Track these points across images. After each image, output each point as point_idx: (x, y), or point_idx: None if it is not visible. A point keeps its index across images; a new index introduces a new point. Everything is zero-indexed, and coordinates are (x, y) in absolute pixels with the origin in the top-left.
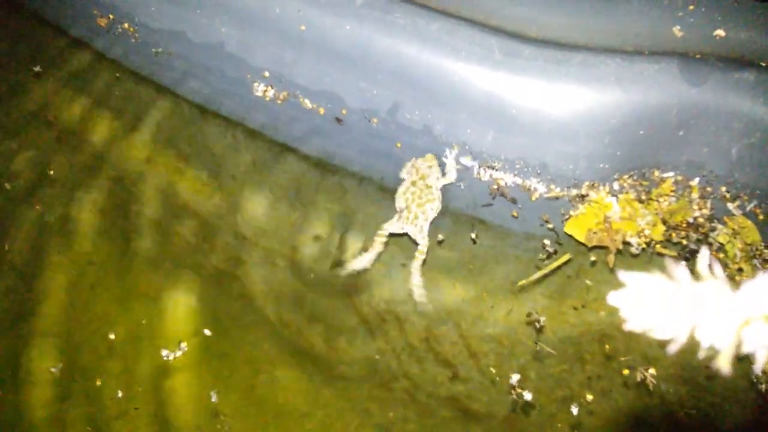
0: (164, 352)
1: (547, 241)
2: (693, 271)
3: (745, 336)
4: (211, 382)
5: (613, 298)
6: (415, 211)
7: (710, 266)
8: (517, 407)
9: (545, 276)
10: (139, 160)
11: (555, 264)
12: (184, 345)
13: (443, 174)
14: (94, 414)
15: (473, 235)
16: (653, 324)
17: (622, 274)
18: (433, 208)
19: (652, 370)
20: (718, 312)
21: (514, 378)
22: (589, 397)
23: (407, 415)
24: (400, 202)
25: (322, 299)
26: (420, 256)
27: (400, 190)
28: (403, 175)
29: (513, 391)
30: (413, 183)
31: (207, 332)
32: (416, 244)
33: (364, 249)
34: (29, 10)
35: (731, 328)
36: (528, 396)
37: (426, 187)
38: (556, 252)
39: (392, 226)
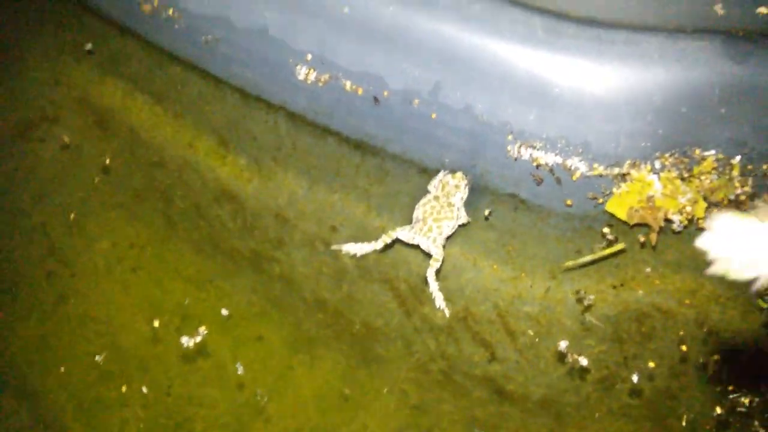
0: (203, 333)
1: (606, 230)
2: None
3: None
4: (248, 363)
5: (701, 241)
6: (431, 224)
7: None
8: (574, 373)
9: (594, 261)
10: (181, 144)
11: (608, 251)
12: (223, 328)
13: (464, 209)
14: (132, 396)
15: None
16: (739, 265)
17: (711, 220)
18: (450, 225)
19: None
20: None
21: (563, 344)
22: (629, 376)
23: (442, 396)
24: (417, 212)
25: (360, 280)
26: (435, 264)
27: (422, 201)
28: (430, 187)
29: (569, 358)
30: (436, 198)
31: (246, 313)
32: (429, 255)
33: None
34: None
35: None
36: (584, 361)
37: (448, 204)
38: (617, 239)
39: (404, 233)
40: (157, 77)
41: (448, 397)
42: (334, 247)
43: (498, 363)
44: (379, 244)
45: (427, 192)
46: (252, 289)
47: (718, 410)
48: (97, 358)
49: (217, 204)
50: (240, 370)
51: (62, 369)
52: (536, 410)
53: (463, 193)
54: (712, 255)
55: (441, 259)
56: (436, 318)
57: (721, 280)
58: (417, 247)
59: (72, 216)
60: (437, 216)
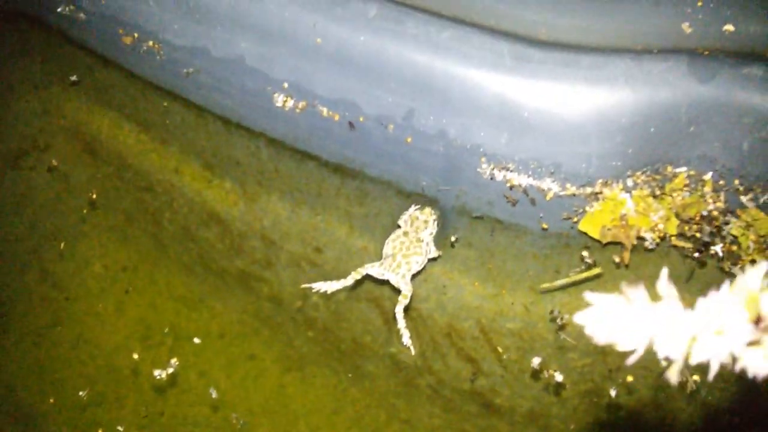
0: (195, 353)
1: (585, 253)
2: (651, 293)
3: (696, 349)
4: (240, 381)
5: (579, 317)
6: (400, 260)
7: (666, 287)
8: (549, 388)
9: (571, 284)
10: (168, 169)
11: (584, 275)
12: (215, 346)
13: (433, 242)
14: (125, 416)
15: (490, 235)
16: (616, 338)
17: (588, 295)
18: (418, 261)
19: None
20: (672, 327)
21: (535, 361)
22: (612, 391)
23: (432, 411)
24: (387, 248)
25: (347, 299)
26: (404, 301)
27: (392, 236)
28: (400, 222)
29: (545, 373)
30: (405, 233)
31: (238, 332)
32: (398, 291)
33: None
34: (56, 30)
35: (683, 342)
36: (559, 377)
37: (417, 240)
38: (595, 263)
39: (374, 269)
40: (142, 106)
41: (437, 411)
42: (305, 286)
43: (484, 377)
44: (349, 281)
45: (397, 227)
46: (242, 309)
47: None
48: (83, 392)
49: (204, 226)
50: (231, 389)
51: (57, 392)
52: (524, 423)
53: (432, 228)
54: (588, 330)
55: (409, 295)
56: (422, 334)
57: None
58: (387, 282)
59: (62, 245)
60: (406, 252)
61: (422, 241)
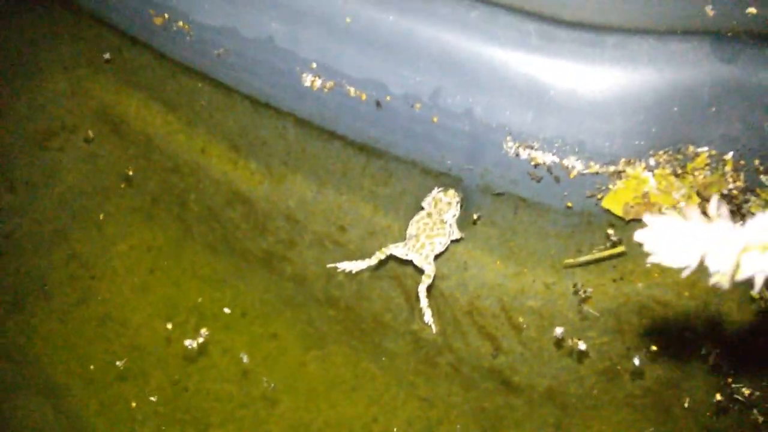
0: (218, 331)
1: (611, 231)
2: (705, 213)
3: (744, 262)
4: (263, 360)
5: (638, 235)
6: (423, 241)
7: (718, 208)
8: (573, 354)
9: (594, 261)
10: (194, 150)
11: (607, 252)
12: (238, 325)
13: (456, 224)
14: (151, 391)
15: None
16: (671, 255)
17: (646, 217)
18: (442, 242)
19: (683, 338)
20: (722, 243)
21: (558, 330)
22: (632, 367)
23: (451, 389)
24: (411, 229)
25: (369, 278)
26: (426, 280)
27: (416, 218)
28: (424, 204)
29: (569, 341)
30: (429, 215)
31: (260, 312)
32: (422, 271)
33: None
34: (87, 11)
35: (732, 256)
36: (582, 345)
37: (440, 222)
38: (620, 240)
39: (398, 249)
40: (170, 87)
41: (456, 389)
42: (330, 266)
43: (504, 355)
44: (373, 261)
45: (421, 208)
46: (265, 288)
47: (718, 397)
48: (117, 363)
49: (229, 207)
50: (254, 366)
51: (85, 367)
52: (542, 401)
53: (456, 210)
54: (647, 247)
55: (432, 275)
56: (443, 312)
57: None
58: (410, 262)
59: (101, 216)
60: (430, 233)
61: (445, 222)
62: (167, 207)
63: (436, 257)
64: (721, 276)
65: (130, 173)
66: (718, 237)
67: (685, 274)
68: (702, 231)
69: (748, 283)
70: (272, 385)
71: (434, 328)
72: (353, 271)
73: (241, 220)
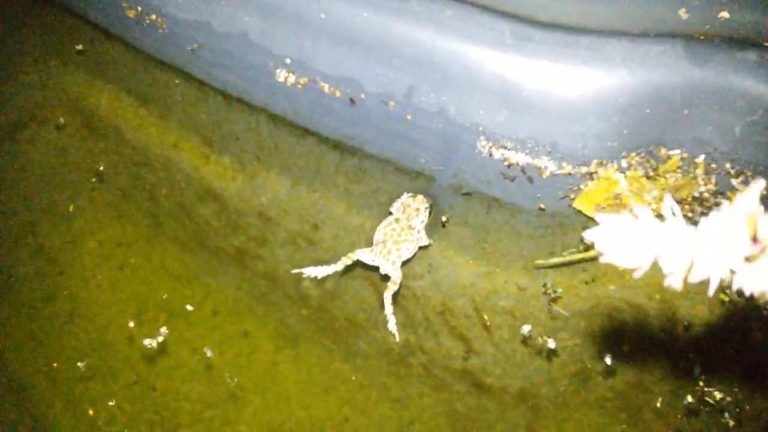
0: (188, 329)
1: (585, 234)
2: (658, 214)
3: (698, 265)
4: (234, 358)
5: (589, 234)
6: (390, 247)
7: (671, 208)
8: (543, 352)
9: (565, 264)
10: (166, 144)
11: (579, 256)
12: (209, 323)
13: (424, 231)
14: (118, 390)
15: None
16: (623, 255)
17: (597, 215)
18: (409, 249)
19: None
20: (676, 244)
21: (525, 329)
22: (603, 369)
23: (423, 390)
24: (378, 234)
25: (342, 277)
26: (392, 287)
27: (383, 223)
28: (392, 209)
29: (539, 339)
30: (397, 220)
31: (232, 310)
32: (388, 278)
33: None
34: (58, 3)
35: (686, 257)
36: (551, 344)
37: (408, 228)
38: (593, 244)
39: (364, 254)
40: (142, 80)
41: (428, 390)
42: (295, 271)
43: (476, 356)
44: (339, 266)
45: (389, 213)
46: (237, 286)
47: (689, 399)
48: (83, 361)
49: (201, 203)
50: (223, 365)
51: (50, 365)
52: (514, 403)
53: (424, 216)
54: (597, 247)
55: (399, 281)
56: (415, 312)
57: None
58: (377, 268)
59: (70, 210)
60: (397, 239)
61: (413, 228)
62: (138, 202)
63: (404, 263)
64: (674, 277)
65: (101, 167)
66: (671, 237)
67: (637, 275)
68: (655, 231)
69: (705, 284)
70: (235, 380)
71: (397, 337)
72: (319, 277)
73: (213, 217)
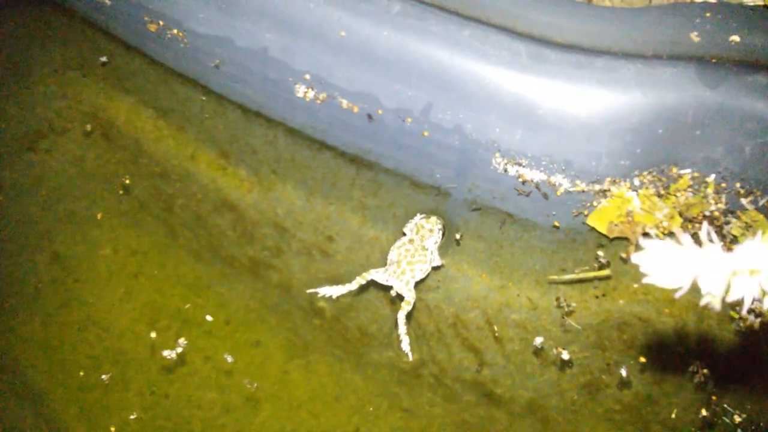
0: (202, 338)
1: (600, 252)
2: (696, 240)
3: (734, 284)
4: (245, 367)
5: (635, 257)
6: (404, 267)
7: (709, 235)
8: (554, 364)
9: (578, 281)
10: (183, 156)
11: (593, 274)
12: (222, 332)
13: (437, 252)
14: (131, 398)
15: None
16: (665, 277)
17: (642, 240)
18: (422, 269)
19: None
20: (714, 267)
21: (538, 340)
22: (612, 382)
23: (434, 400)
24: (392, 254)
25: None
26: (406, 307)
27: (397, 243)
28: (406, 230)
29: (553, 351)
30: (411, 241)
31: (244, 319)
32: (401, 297)
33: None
34: (80, 15)
35: (723, 279)
36: (566, 355)
37: (422, 248)
38: (608, 263)
39: (378, 274)
40: (161, 93)
41: (438, 400)
42: (310, 291)
43: (487, 368)
44: (354, 286)
45: (402, 234)
46: (250, 296)
47: (704, 413)
48: (99, 368)
49: (217, 213)
50: (237, 374)
51: (65, 371)
52: (523, 414)
53: (437, 237)
54: (642, 269)
55: (413, 302)
56: (428, 324)
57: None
58: (390, 288)
59: (86, 220)
60: (411, 259)
61: (427, 249)
62: (154, 212)
63: (417, 284)
64: (712, 297)
65: (118, 178)
66: (710, 261)
67: (678, 294)
68: (694, 255)
69: (736, 303)
70: (255, 384)
71: (410, 356)
72: (334, 296)
73: (228, 227)
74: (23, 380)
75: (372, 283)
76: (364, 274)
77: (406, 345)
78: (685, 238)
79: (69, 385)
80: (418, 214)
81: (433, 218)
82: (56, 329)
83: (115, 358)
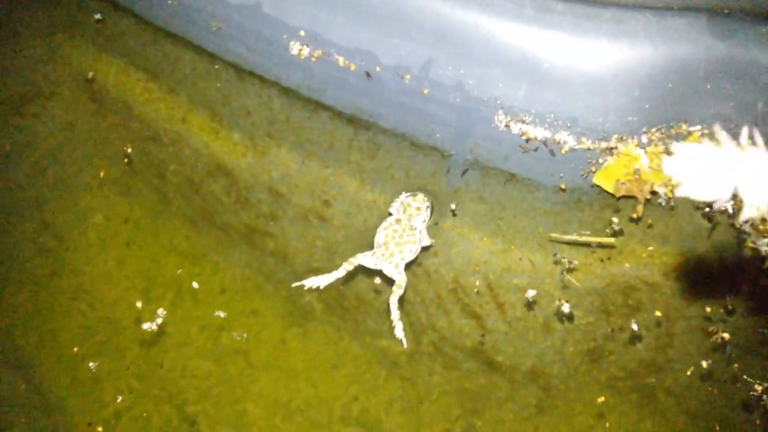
0: (197, 306)
1: (615, 219)
2: (738, 143)
3: None
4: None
5: (666, 165)
6: (393, 249)
7: (751, 136)
8: (561, 315)
9: (579, 243)
10: (175, 119)
11: (595, 239)
12: (217, 301)
13: (427, 232)
14: (124, 367)
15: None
16: (701, 186)
17: (675, 145)
18: (412, 250)
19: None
20: (758, 173)
21: (530, 293)
22: (616, 348)
23: (433, 368)
24: (379, 237)
25: (352, 254)
26: (398, 291)
27: (383, 224)
28: (392, 210)
29: (557, 302)
30: (398, 221)
31: (240, 287)
32: (392, 281)
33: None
34: None
35: None
36: (566, 308)
37: (410, 228)
38: (621, 231)
39: (366, 258)
40: (151, 53)
41: (438, 368)
42: (296, 284)
43: (488, 334)
44: (341, 273)
45: (389, 214)
46: (246, 264)
47: (704, 364)
48: (90, 337)
49: (210, 178)
50: (232, 344)
51: (56, 340)
52: (525, 381)
53: (425, 215)
54: (676, 179)
55: (404, 285)
56: (427, 290)
57: (707, 253)
58: (380, 272)
59: (76, 186)
60: (399, 240)
61: (415, 228)
62: (146, 178)
63: (407, 266)
64: (757, 209)
65: (108, 142)
66: (753, 167)
67: (717, 206)
68: (735, 160)
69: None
70: (244, 335)
71: (405, 343)
72: (321, 287)
73: (222, 193)
74: (14, 350)
75: (368, 249)
76: (351, 259)
77: (399, 331)
78: (725, 138)
79: (61, 355)
80: (403, 192)
81: (420, 195)
82: (47, 298)
83: (108, 327)
